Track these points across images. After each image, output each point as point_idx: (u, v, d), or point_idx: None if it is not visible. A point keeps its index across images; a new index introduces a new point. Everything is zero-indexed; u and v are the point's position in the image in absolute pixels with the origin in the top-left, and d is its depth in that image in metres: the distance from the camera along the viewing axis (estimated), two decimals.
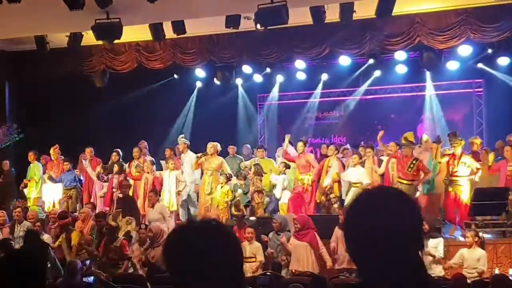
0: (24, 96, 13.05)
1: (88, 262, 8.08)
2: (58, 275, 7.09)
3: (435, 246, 7.57)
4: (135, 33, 11.14)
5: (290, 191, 10.48)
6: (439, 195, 9.69)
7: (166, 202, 10.54)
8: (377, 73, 13.39)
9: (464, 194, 9.29)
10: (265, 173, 10.80)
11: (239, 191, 10.31)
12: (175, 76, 13.90)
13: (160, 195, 10.43)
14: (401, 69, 13.18)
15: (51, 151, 11.68)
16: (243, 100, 14.93)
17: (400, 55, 12.13)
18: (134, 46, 12.01)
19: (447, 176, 9.51)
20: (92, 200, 11.23)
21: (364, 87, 13.99)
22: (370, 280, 1.44)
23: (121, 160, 11.36)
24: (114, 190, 10.94)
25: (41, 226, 9.08)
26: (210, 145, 10.89)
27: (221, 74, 13.35)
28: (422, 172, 9.39)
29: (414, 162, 9.39)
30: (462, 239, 8.84)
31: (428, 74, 13.38)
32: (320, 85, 14.22)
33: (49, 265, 7.17)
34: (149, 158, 11.63)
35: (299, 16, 9.77)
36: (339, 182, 10.25)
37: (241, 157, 11.71)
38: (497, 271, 7.47)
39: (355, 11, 9.70)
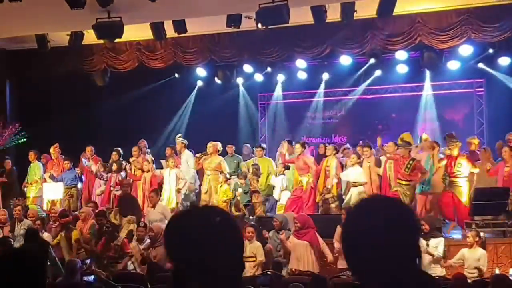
0: (25, 94, 13.06)
1: (88, 261, 8.09)
2: (58, 273, 7.09)
3: (435, 245, 7.57)
4: (136, 32, 11.15)
5: (290, 191, 10.49)
6: (437, 195, 9.69)
7: (165, 199, 10.57)
8: (378, 72, 13.40)
9: (463, 194, 9.30)
10: (261, 173, 10.82)
11: (240, 190, 10.32)
12: (176, 75, 13.92)
13: (160, 195, 10.45)
14: (402, 69, 13.18)
15: (51, 150, 11.69)
16: (244, 99, 14.94)
17: (401, 54, 12.13)
18: (135, 45, 12.01)
19: (444, 176, 9.51)
20: (92, 199, 11.26)
21: (363, 86, 14.00)
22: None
23: (121, 159, 11.39)
24: (112, 188, 10.98)
25: (41, 224, 9.09)
26: (209, 144, 10.92)
27: (222, 73, 13.36)
28: (419, 172, 9.39)
29: (411, 162, 9.41)
30: (455, 237, 8.85)
31: (427, 74, 13.38)
32: (322, 85, 14.24)
33: (49, 264, 7.17)
34: (149, 157, 11.65)
35: (300, 16, 9.76)
36: (337, 182, 10.26)
37: (240, 156, 11.71)
38: (497, 271, 7.47)
39: (356, 11, 9.70)
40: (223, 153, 11.35)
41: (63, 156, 11.73)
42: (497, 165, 9.68)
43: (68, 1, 8.82)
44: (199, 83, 14.44)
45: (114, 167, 11.10)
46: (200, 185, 11.25)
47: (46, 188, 11.24)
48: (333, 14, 9.71)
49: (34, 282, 2.17)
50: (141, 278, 7.07)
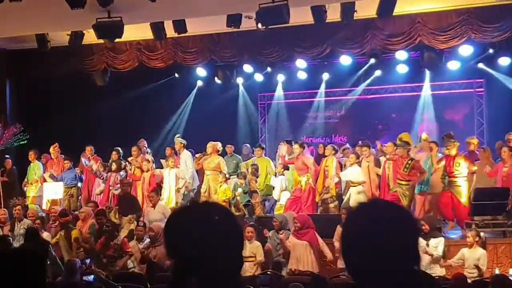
0: (25, 94, 13.06)
1: (88, 261, 8.09)
2: (59, 272, 7.09)
3: (435, 245, 7.58)
4: (136, 32, 11.15)
5: (290, 192, 10.49)
6: (436, 195, 9.70)
7: (165, 199, 10.58)
8: (378, 72, 13.40)
9: (462, 194, 9.30)
10: (259, 174, 10.83)
11: (239, 190, 10.32)
12: (176, 75, 13.92)
13: (160, 194, 10.46)
14: (402, 69, 13.18)
15: (51, 150, 11.70)
16: (244, 100, 14.94)
17: (401, 55, 12.13)
18: (135, 45, 12.01)
19: (443, 176, 9.52)
20: (92, 199, 11.28)
21: (363, 86, 14.00)
22: None
23: (120, 158, 11.40)
24: (111, 188, 11.01)
25: (40, 224, 9.09)
26: (209, 144, 10.94)
27: (222, 73, 13.36)
28: (418, 172, 9.40)
29: (409, 162, 9.42)
30: (454, 237, 8.84)
31: (427, 74, 13.38)
32: (322, 85, 14.24)
33: (49, 263, 7.17)
34: (149, 156, 11.66)
35: (300, 16, 9.77)
36: (337, 181, 10.27)
37: (239, 156, 11.71)
38: (497, 271, 7.47)
39: (356, 11, 9.70)
40: (223, 153, 11.36)
41: (63, 156, 11.74)
42: (497, 165, 9.68)
43: (68, 1, 8.82)
44: (199, 83, 14.44)
45: (114, 166, 11.13)
46: (200, 185, 11.26)
47: (46, 188, 11.25)
48: (333, 14, 9.71)
49: (34, 281, 2.17)
50: (141, 278, 7.07)
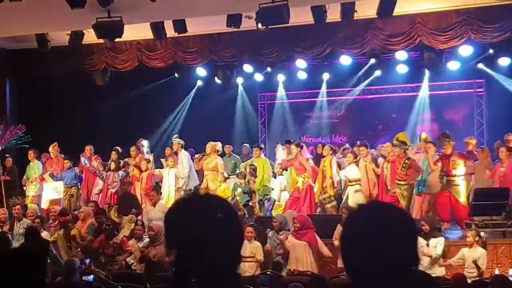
0: (25, 94, 13.06)
1: (87, 261, 8.08)
2: (60, 271, 7.08)
3: (435, 245, 7.58)
4: (136, 31, 11.15)
5: (289, 192, 10.51)
6: (434, 195, 9.70)
7: (165, 198, 10.59)
8: (378, 73, 13.40)
9: (461, 194, 9.31)
10: (257, 175, 10.85)
11: (239, 190, 10.32)
12: (176, 75, 13.91)
13: (161, 193, 10.47)
14: (402, 69, 13.18)
15: (50, 149, 11.70)
16: (244, 99, 14.94)
17: (401, 55, 12.13)
18: (135, 45, 12.01)
19: (441, 175, 9.53)
20: (91, 198, 11.29)
21: (362, 86, 14.00)
22: None
23: (120, 158, 11.42)
24: (109, 187, 11.03)
25: (40, 223, 9.09)
26: (208, 144, 10.96)
27: (222, 73, 13.36)
28: (414, 170, 9.40)
29: (406, 161, 9.44)
30: (451, 237, 8.84)
31: (426, 75, 13.38)
32: (322, 85, 14.24)
33: (49, 262, 7.17)
34: (148, 156, 11.67)
35: (300, 16, 9.77)
36: (334, 181, 10.29)
37: (237, 156, 11.69)
38: (497, 272, 7.47)
39: (356, 11, 9.71)
40: (223, 153, 11.37)
41: (63, 155, 11.74)
42: (495, 166, 9.69)
43: (68, 1, 8.82)
44: (199, 83, 14.45)
45: (112, 165, 11.15)
46: (199, 185, 11.26)
47: (47, 188, 11.26)
48: (333, 14, 9.71)
49: (34, 281, 2.17)
50: (141, 278, 7.07)
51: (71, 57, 12.02)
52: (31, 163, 11.78)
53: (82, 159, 11.57)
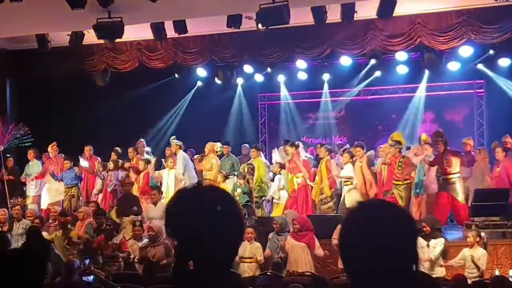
0: (25, 94, 13.07)
1: (87, 261, 8.07)
2: (62, 270, 7.08)
3: (434, 246, 7.58)
4: (136, 32, 11.15)
5: (287, 191, 10.52)
6: (432, 196, 9.71)
7: (165, 199, 10.58)
8: (378, 73, 13.40)
9: (458, 193, 9.33)
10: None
11: (238, 190, 10.32)
12: (176, 75, 13.91)
13: (162, 193, 10.46)
14: (402, 70, 13.19)
15: (49, 149, 11.71)
16: (243, 100, 14.93)
17: (401, 55, 12.14)
18: (136, 45, 12.01)
19: (437, 175, 9.54)
20: (90, 198, 11.31)
21: (361, 86, 14.00)
22: None
23: (119, 158, 11.44)
24: (108, 187, 11.04)
25: (39, 223, 9.09)
26: (207, 145, 10.98)
27: (222, 73, 13.37)
28: (409, 166, 9.43)
29: (401, 160, 9.46)
30: (450, 238, 8.85)
31: (425, 75, 13.38)
32: (322, 85, 14.25)
33: (50, 262, 7.16)
34: (148, 156, 11.68)
35: (300, 16, 9.77)
36: (333, 181, 10.33)
37: (235, 156, 11.67)
38: (497, 272, 7.47)
39: (356, 12, 9.70)
40: (222, 154, 11.37)
41: (63, 155, 11.74)
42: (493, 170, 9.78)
43: (68, 1, 8.83)
44: (199, 83, 14.45)
45: (111, 166, 11.16)
46: None
47: (48, 189, 11.28)
48: (334, 15, 9.71)
49: (33, 282, 2.17)
50: (141, 278, 7.07)
51: (72, 57, 12.03)
52: (30, 162, 11.79)
53: (80, 160, 11.56)
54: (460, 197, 9.32)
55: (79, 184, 11.51)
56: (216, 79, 13.64)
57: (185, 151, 11.52)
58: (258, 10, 9.11)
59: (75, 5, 8.88)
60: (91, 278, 6.70)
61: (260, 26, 9.82)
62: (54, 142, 11.72)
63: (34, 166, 11.73)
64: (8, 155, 11.90)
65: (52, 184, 11.35)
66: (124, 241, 8.37)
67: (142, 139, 12.32)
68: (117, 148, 11.63)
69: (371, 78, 13.67)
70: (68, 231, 8.67)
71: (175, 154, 11.35)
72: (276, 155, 11.85)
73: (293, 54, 11.76)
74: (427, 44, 10.72)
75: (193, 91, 14.57)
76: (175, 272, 1.57)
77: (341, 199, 10.13)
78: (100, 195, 11.30)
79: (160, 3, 8.89)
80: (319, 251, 7.98)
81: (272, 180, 10.96)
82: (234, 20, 10.03)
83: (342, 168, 10.40)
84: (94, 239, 8.43)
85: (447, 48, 10.99)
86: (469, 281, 6.62)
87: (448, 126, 13.42)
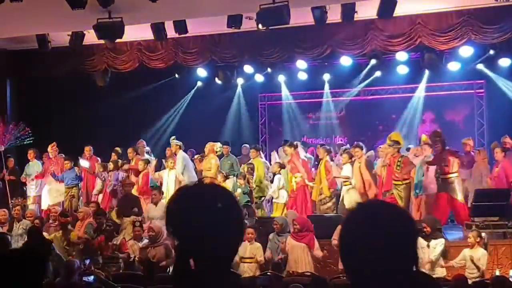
0: (25, 94, 13.07)
1: (87, 261, 8.08)
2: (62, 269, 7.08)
3: (434, 246, 7.57)
4: (137, 32, 11.14)
5: (287, 190, 10.53)
6: (431, 196, 9.71)
7: (165, 199, 10.58)
8: (378, 73, 13.40)
9: (457, 192, 9.34)
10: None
11: (239, 190, 10.32)
12: (176, 75, 13.91)
13: (163, 193, 10.45)
14: (402, 70, 13.18)
15: (49, 149, 11.71)
16: (243, 100, 14.93)
17: (401, 55, 12.13)
18: (136, 46, 12.01)
19: (436, 175, 9.55)
20: (90, 199, 11.31)
21: (361, 86, 14.00)
22: None
23: (119, 159, 11.44)
24: (108, 188, 11.05)
25: (39, 224, 9.08)
26: (207, 145, 10.99)
27: (222, 73, 13.37)
28: (407, 164, 9.45)
29: (400, 159, 9.47)
30: (450, 238, 8.86)
31: (425, 76, 13.38)
32: (323, 85, 14.25)
33: (51, 261, 7.17)
34: (148, 157, 11.68)
35: (300, 16, 9.77)
36: (332, 181, 10.36)
37: (234, 157, 11.67)
38: (497, 273, 7.47)
39: (356, 12, 9.70)
40: (222, 154, 11.38)
41: (63, 156, 11.74)
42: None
43: (69, 1, 8.83)
44: (199, 83, 14.45)
45: (110, 166, 11.16)
46: None
47: (49, 190, 11.28)
48: (334, 15, 9.71)
49: (32, 282, 2.17)
50: (141, 279, 7.07)
51: (72, 57, 12.03)
52: (30, 162, 11.79)
53: (80, 160, 11.55)
54: (459, 197, 9.33)
55: (79, 184, 11.52)
56: (216, 79, 13.64)
57: (185, 151, 11.52)
58: (258, 10, 9.11)
59: (75, 5, 8.88)
60: (91, 278, 6.70)
61: (260, 26, 9.82)
62: (54, 143, 11.72)
63: (34, 166, 11.73)
64: (8, 155, 11.91)
65: (53, 185, 11.35)
66: (124, 242, 8.37)
67: (142, 140, 12.32)
68: (118, 149, 11.63)
69: (371, 78, 13.66)
70: (68, 232, 8.66)
71: (175, 154, 11.35)
72: (275, 158, 11.88)
73: (293, 54, 11.76)
74: (427, 44, 10.71)
75: (193, 91, 14.57)
76: (176, 271, 1.57)
77: (340, 199, 10.14)
78: (100, 196, 11.30)
79: (160, 3, 8.89)
80: (318, 252, 7.97)
81: (272, 180, 10.97)
82: (234, 20, 10.03)
83: (341, 169, 10.42)
84: (95, 240, 8.42)
85: (448, 48, 10.99)
86: (470, 282, 6.61)
87: (449, 126, 13.42)
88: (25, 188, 11.78)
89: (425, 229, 7.50)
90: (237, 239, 1.62)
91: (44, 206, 11.27)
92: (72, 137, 12.36)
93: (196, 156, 11.58)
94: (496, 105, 13.03)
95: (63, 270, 6.46)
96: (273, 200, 10.77)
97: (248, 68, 13.20)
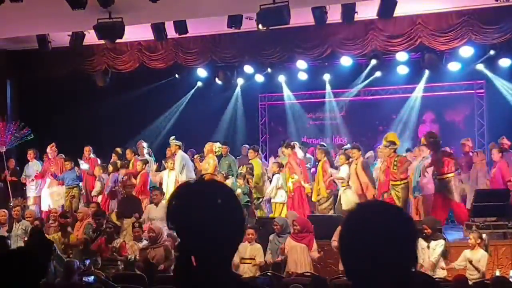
0: (25, 95, 13.07)
1: (87, 262, 8.07)
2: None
3: (434, 247, 7.56)
4: (137, 32, 11.14)
5: (285, 190, 10.55)
6: (429, 196, 9.72)
7: (164, 200, 10.58)
8: (378, 73, 13.40)
9: (454, 193, 9.35)
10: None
11: (239, 190, 10.32)
12: (177, 76, 13.91)
13: (164, 194, 10.45)
14: (403, 70, 13.18)
15: (48, 149, 11.71)
16: (243, 100, 14.93)
17: (402, 56, 12.12)
18: (136, 46, 12.01)
19: (434, 176, 9.56)
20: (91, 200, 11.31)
21: (361, 86, 14.01)
22: None
23: (120, 159, 11.44)
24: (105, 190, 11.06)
25: (39, 225, 9.08)
26: (206, 145, 10.99)
27: (222, 74, 13.37)
28: (403, 163, 9.48)
29: (396, 159, 9.49)
30: (450, 238, 8.86)
31: (424, 76, 13.38)
32: (323, 86, 14.25)
33: (54, 262, 7.17)
34: (147, 157, 11.68)
35: (300, 17, 9.77)
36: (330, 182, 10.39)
37: (232, 157, 11.67)
38: (497, 273, 7.46)
39: (356, 12, 9.70)
40: (221, 154, 11.39)
41: (63, 156, 11.74)
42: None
43: (69, 2, 8.82)
44: (199, 83, 14.44)
45: (110, 168, 11.14)
46: None
47: (51, 192, 11.28)
48: (334, 15, 9.71)
49: (32, 282, 2.17)
50: (141, 279, 7.06)
51: (72, 58, 12.04)
52: (30, 162, 11.79)
53: (80, 162, 11.53)
54: (455, 197, 9.36)
55: (80, 184, 11.52)
56: (216, 79, 13.64)
57: (185, 151, 11.52)
58: (258, 10, 9.11)
59: (75, 6, 8.88)
60: (91, 278, 6.70)
61: (260, 26, 9.82)
62: (53, 143, 11.72)
63: (33, 166, 11.73)
64: (11, 156, 11.91)
65: (54, 189, 11.35)
66: (124, 245, 8.35)
67: (142, 140, 12.32)
68: (118, 149, 11.62)
69: (371, 78, 13.67)
70: (68, 234, 8.66)
71: (175, 154, 11.35)
72: (272, 160, 11.91)
73: (293, 54, 11.75)
74: (427, 44, 10.71)
75: (193, 91, 14.56)
76: (178, 268, 1.57)
77: (338, 199, 10.17)
78: (100, 197, 11.28)
79: (160, 4, 8.89)
80: (314, 254, 7.99)
81: (271, 180, 10.97)
82: (234, 20, 10.03)
83: (338, 169, 10.46)
84: (95, 242, 8.42)
85: (448, 49, 10.98)
86: (470, 282, 6.61)
87: (449, 126, 13.44)
88: (25, 189, 11.78)
89: (425, 231, 7.49)
90: (238, 235, 1.61)
91: (44, 207, 11.26)
92: (72, 138, 12.36)
93: (196, 156, 11.58)
94: (497, 106, 13.03)
95: (63, 271, 6.46)
96: (272, 200, 10.78)
97: (248, 68, 13.20)
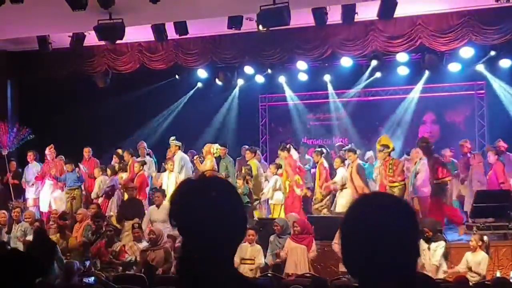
0: (26, 96, 13.08)
1: (87, 263, 8.07)
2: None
3: (435, 249, 7.55)
4: (137, 33, 11.15)
5: (283, 192, 10.54)
6: (425, 198, 9.71)
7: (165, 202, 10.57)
8: (378, 74, 13.39)
9: (448, 197, 9.37)
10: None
11: (239, 191, 10.32)
12: (177, 76, 13.91)
13: (165, 195, 10.44)
14: (403, 71, 13.17)
15: (47, 151, 11.71)
16: (243, 101, 14.92)
17: (402, 56, 12.11)
18: (137, 47, 12.02)
19: (431, 180, 9.57)
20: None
21: (361, 86, 14.00)
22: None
23: (121, 161, 11.43)
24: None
25: (39, 226, 9.08)
26: (205, 146, 11.00)
27: (222, 74, 13.36)
28: (398, 165, 9.49)
29: (391, 162, 9.51)
30: (449, 238, 8.86)
31: (424, 76, 13.37)
32: (323, 86, 14.23)
33: (56, 264, 7.17)
34: (148, 158, 11.67)
35: (301, 18, 9.77)
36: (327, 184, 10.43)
37: (230, 158, 11.63)
38: (498, 274, 7.45)
39: (357, 13, 9.70)
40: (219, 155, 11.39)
41: (63, 157, 11.73)
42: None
43: (69, 3, 8.82)
44: (200, 84, 14.44)
45: (109, 172, 11.12)
46: None
47: (53, 195, 11.28)
48: (334, 16, 9.71)
49: (30, 282, 2.17)
50: (142, 280, 7.06)
51: (72, 59, 12.04)
52: (29, 164, 11.79)
53: (81, 166, 11.52)
54: (453, 198, 9.38)
55: (81, 186, 11.51)
56: (216, 80, 13.64)
57: (185, 152, 11.51)
58: (258, 11, 9.11)
59: (76, 7, 8.88)
60: (91, 279, 6.70)
61: (260, 27, 9.82)
62: (51, 145, 11.71)
63: (33, 168, 11.73)
64: (12, 159, 11.92)
65: (56, 194, 11.34)
66: (123, 249, 8.34)
67: (143, 141, 12.31)
68: (119, 151, 11.62)
69: (371, 79, 13.66)
70: (66, 236, 8.66)
71: (175, 155, 11.35)
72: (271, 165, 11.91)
73: (293, 55, 11.75)
74: (427, 45, 10.71)
75: (192, 91, 14.55)
76: (180, 266, 1.56)
77: (335, 200, 10.23)
78: (100, 199, 11.25)
79: (161, 5, 8.88)
80: (312, 254, 8.00)
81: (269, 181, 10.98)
82: (234, 21, 10.03)
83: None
84: (95, 245, 8.41)
85: (448, 49, 10.98)
86: (471, 283, 6.59)
87: (449, 127, 13.43)
88: (24, 190, 11.77)
89: (426, 234, 7.46)
90: (239, 232, 1.61)
91: (43, 208, 11.25)
92: (72, 139, 12.36)
93: (195, 157, 11.57)
94: (497, 106, 13.01)
95: (63, 272, 6.46)
96: (269, 202, 10.78)
97: (248, 69, 13.19)
